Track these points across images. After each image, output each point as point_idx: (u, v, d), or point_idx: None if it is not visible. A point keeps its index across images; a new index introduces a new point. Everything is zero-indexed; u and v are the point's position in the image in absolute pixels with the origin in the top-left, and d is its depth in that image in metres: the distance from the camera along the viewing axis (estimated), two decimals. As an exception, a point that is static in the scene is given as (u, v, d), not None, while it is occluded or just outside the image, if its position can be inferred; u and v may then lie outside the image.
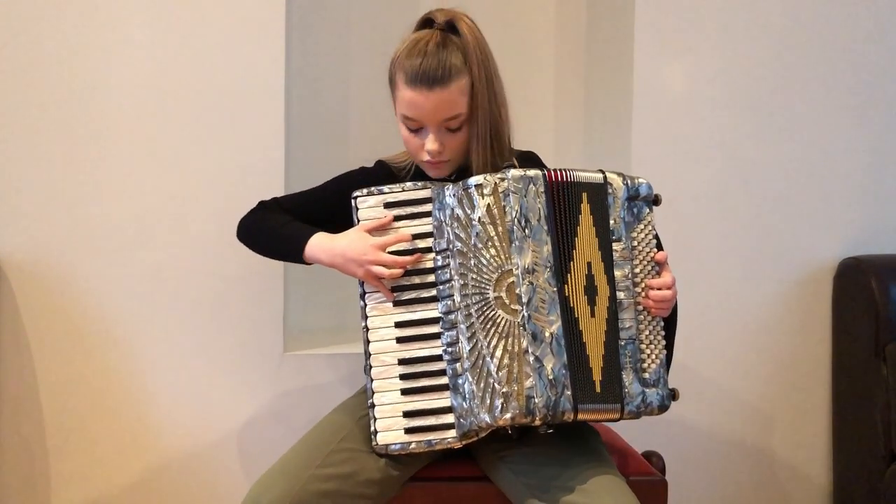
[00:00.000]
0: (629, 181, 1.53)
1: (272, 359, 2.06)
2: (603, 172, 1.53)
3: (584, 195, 1.50)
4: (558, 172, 1.50)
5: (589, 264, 1.49)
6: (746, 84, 2.15)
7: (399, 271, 1.49)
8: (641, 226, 1.53)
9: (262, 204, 1.72)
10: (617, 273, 1.50)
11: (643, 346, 1.50)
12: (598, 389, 1.45)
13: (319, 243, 1.56)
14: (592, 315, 1.48)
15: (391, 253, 1.51)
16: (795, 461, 2.22)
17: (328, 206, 1.67)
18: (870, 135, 2.20)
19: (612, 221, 1.51)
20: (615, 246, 1.50)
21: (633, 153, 2.13)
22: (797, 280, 2.19)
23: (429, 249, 1.50)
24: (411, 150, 1.59)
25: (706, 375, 2.18)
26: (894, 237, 2.21)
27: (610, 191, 1.52)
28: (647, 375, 1.49)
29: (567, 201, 1.49)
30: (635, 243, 1.52)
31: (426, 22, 1.58)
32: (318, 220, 1.67)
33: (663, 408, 1.50)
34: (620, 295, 1.49)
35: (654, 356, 1.51)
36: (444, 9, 1.57)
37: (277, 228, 1.63)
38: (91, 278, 2.00)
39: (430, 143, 1.53)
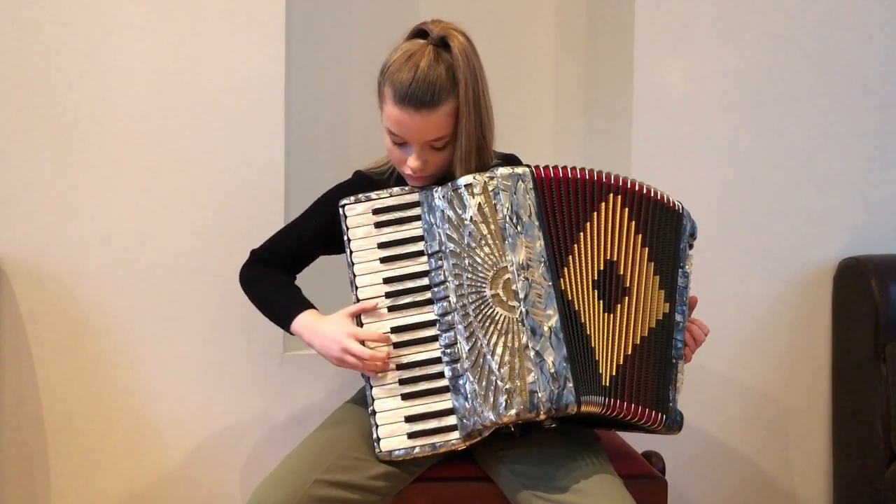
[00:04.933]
0: (692, 219, 1.61)
1: (272, 359, 2.06)
2: (680, 203, 1.60)
3: (616, 198, 1.52)
4: (548, 169, 1.51)
5: (612, 262, 1.50)
6: (746, 84, 2.15)
7: (371, 367, 1.48)
8: (689, 262, 1.60)
9: (255, 255, 1.71)
10: (678, 297, 1.55)
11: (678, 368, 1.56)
12: (604, 382, 1.46)
13: (305, 322, 1.57)
14: (609, 311, 1.49)
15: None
16: (795, 461, 2.22)
17: (320, 234, 1.67)
18: (869, 135, 2.20)
19: (680, 248, 1.57)
20: (679, 271, 1.56)
21: (633, 153, 2.13)
22: (797, 280, 2.19)
23: (420, 253, 1.51)
24: (394, 160, 1.59)
25: (706, 375, 2.18)
26: (894, 237, 2.21)
27: (684, 221, 1.59)
28: (678, 395, 1.54)
29: (566, 198, 1.50)
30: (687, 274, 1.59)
31: (419, 32, 1.55)
32: (314, 251, 1.70)
33: (680, 428, 1.56)
34: (678, 317, 1.54)
35: (681, 379, 1.56)
36: (440, 21, 1.54)
37: (270, 294, 1.65)
38: (91, 278, 2.00)
39: (413, 161, 1.52)
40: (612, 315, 1.49)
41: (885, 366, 2.04)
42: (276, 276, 1.67)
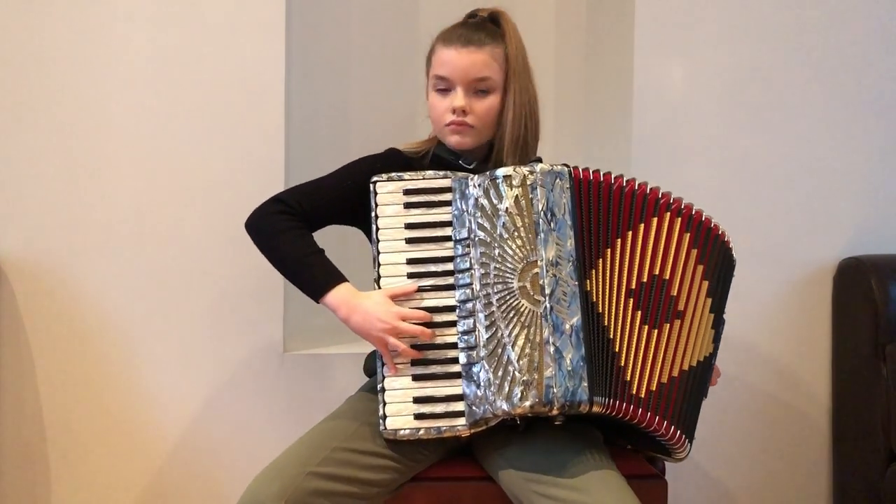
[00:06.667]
0: None
1: (272, 359, 2.06)
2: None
3: (675, 219, 1.52)
4: (588, 171, 1.52)
5: (664, 280, 1.50)
6: (746, 84, 2.16)
7: (412, 352, 1.48)
8: None
9: (284, 205, 1.61)
10: (718, 342, 1.57)
11: None
12: (634, 391, 1.46)
13: (343, 297, 1.53)
14: (650, 324, 1.48)
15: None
16: (795, 461, 2.22)
17: (346, 201, 1.63)
18: (870, 135, 2.20)
19: (727, 295, 1.59)
20: (723, 317, 1.58)
21: (633, 153, 2.13)
22: (797, 280, 2.19)
23: (447, 238, 1.51)
24: (437, 114, 1.62)
25: (706, 375, 2.18)
26: (894, 237, 2.21)
27: (734, 272, 1.62)
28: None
29: (605, 203, 1.50)
30: None
31: (471, 15, 1.67)
32: (336, 217, 1.65)
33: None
34: (713, 361, 1.56)
35: None
36: (490, 7, 1.67)
37: (302, 257, 1.57)
38: (91, 278, 2.00)
39: (458, 100, 1.58)
40: (655, 330, 1.49)
41: (885, 366, 2.04)
42: (308, 235, 1.60)
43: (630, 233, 1.51)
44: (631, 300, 1.49)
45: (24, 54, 1.96)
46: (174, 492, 2.05)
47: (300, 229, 1.59)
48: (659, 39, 2.13)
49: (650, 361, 1.48)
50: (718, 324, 1.57)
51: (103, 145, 1.99)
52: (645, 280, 1.50)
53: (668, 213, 1.52)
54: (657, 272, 1.50)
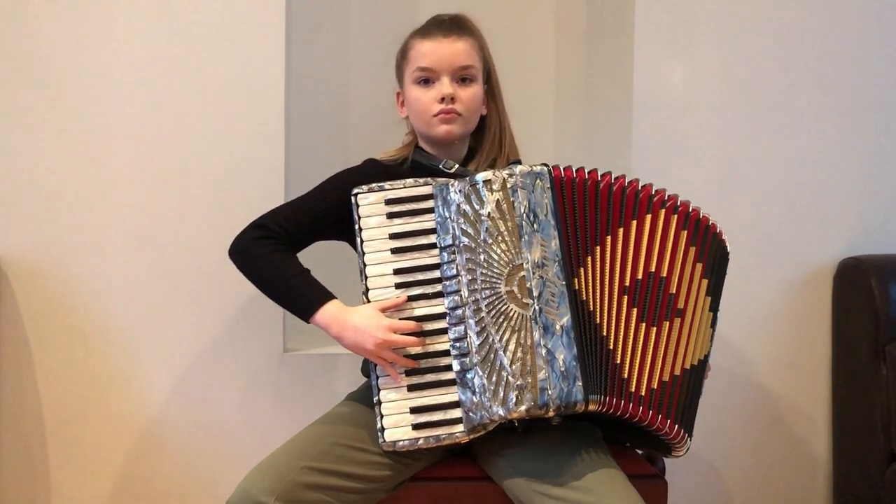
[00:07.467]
0: None
1: (272, 359, 2.06)
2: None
3: (670, 216, 1.51)
4: (569, 170, 1.51)
5: (661, 277, 1.49)
6: (746, 84, 2.15)
7: (409, 362, 1.48)
8: None
9: (264, 229, 1.61)
10: (713, 341, 1.56)
11: None
12: (633, 389, 1.45)
13: (333, 314, 1.53)
14: (648, 322, 1.47)
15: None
16: (795, 461, 2.22)
17: (330, 217, 1.63)
18: (870, 135, 2.20)
19: (721, 291, 1.58)
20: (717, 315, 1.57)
21: (633, 153, 2.13)
22: (797, 280, 2.19)
23: (432, 246, 1.51)
24: (422, 107, 1.63)
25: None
26: (894, 237, 2.21)
27: (728, 268, 1.60)
28: None
29: (591, 200, 1.49)
30: None
31: (436, 17, 1.69)
32: (321, 233, 1.66)
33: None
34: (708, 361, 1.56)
35: None
36: (451, 13, 1.69)
37: (287, 279, 1.56)
38: (91, 278, 2.00)
39: (446, 87, 1.60)
40: (654, 328, 1.48)
41: (885, 366, 2.04)
42: (292, 257, 1.60)
43: (621, 230, 1.49)
44: (625, 297, 1.48)
45: (24, 54, 1.96)
46: (174, 490, 2.05)
47: (283, 252, 1.59)
48: (659, 39, 2.13)
49: (650, 359, 1.47)
50: (715, 322, 1.57)
51: (103, 145, 1.99)
52: (640, 277, 1.49)
53: (664, 211, 1.51)
54: (653, 269, 1.49)
